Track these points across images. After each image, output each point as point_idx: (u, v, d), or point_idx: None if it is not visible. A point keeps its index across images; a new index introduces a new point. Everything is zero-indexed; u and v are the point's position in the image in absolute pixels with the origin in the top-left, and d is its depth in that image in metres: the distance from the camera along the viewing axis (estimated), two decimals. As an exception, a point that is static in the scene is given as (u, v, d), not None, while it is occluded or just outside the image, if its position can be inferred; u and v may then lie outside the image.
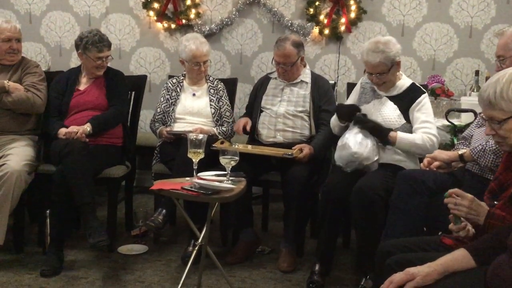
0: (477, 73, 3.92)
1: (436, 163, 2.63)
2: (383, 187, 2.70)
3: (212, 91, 3.58)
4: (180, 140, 3.24)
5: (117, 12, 4.61)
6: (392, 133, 2.88)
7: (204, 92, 3.58)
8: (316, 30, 4.34)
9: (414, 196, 2.49)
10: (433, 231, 2.35)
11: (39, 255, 3.18)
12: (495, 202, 1.87)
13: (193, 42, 3.47)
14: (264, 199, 3.72)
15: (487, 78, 3.82)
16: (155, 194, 3.24)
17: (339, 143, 2.95)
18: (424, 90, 3.03)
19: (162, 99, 3.59)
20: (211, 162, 2.82)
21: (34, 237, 3.37)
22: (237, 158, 2.55)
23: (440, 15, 4.27)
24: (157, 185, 2.57)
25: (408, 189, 2.51)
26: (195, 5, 4.42)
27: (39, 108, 3.33)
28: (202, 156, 2.55)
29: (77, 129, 3.16)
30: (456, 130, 3.36)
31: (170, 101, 3.55)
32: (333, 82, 3.81)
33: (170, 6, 4.45)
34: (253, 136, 3.47)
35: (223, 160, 2.54)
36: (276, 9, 4.35)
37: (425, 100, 2.96)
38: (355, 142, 2.85)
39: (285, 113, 3.35)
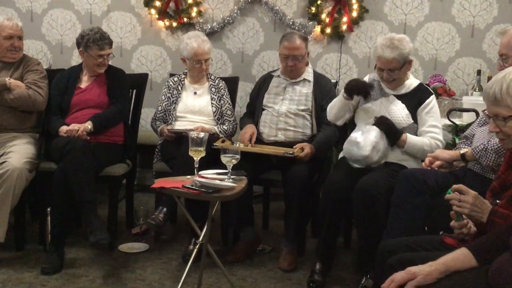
0: (479, 72, 3.91)
1: (438, 163, 2.63)
2: (386, 186, 2.69)
3: (213, 89, 3.57)
4: (181, 139, 3.24)
5: (119, 10, 4.60)
6: (403, 135, 2.88)
7: (205, 91, 3.58)
8: (317, 29, 4.33)
9: (415, 195, 2.49)
10: (434, 230, 2.35)
11: (40, 253, 3.18)
12: (497, 201, 1.87)
13: (194, 40, 3.47)
14: (265, 198, 3.72)
15: (488, 78, 3.82)
16: (156, 192, 3.22)
17: (352, 137, 2.92)
18: (432, 92, 3.04)
19: (163, 98, 3.59)
20: (212, 160, 2.82)
21: (35, 235, 3.36)
22: (238, 156, 2.54)
23: (442, 14, 4.26)
24: (158, 183, 2.57)
25: (409, 188, 2.51)
26: (197, 3, 4.41)
27: (40, 105, 3.33)
28: (203, 154, 2.55)
29: (78, 127, 3.17)
30: (457, 130, 3.35)
31: (171, 100, 3.55)
32: (334, 81, 3.81)
33: (171, 4, 4.44)
34: (255, 135, 3.47)
35: (224, 159, 2.54)
36: (277, 7, 4.35)
37: (433, 102, 2.97)
38: (369, 145, 2.83)
39: (287, 112, 3.35)
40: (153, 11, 4.48)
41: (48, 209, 3.08)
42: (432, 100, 2.97)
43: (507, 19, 4.15)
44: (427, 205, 2.48)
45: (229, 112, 3.57)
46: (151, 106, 4.27)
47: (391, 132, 2.88)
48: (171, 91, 3.57)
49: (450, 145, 3.29)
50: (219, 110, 3.54)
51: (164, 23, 4.50)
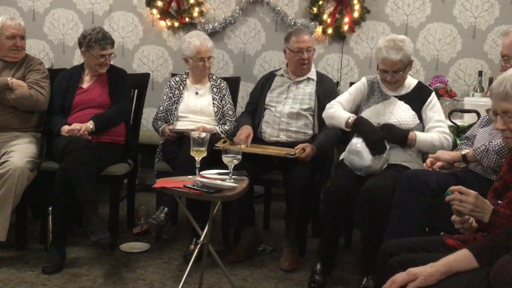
0: (480, 73, 3.91)
1: (439, 163, 2.63)
2: (391, 188, 2.66)
3: (215, 89, 3.58)
4: (182, 139, 3.25)
5: (121, 10, 4.61)
6: (411, 135, 2.87)
7: (207, 91, 3.58)
8: (319, 29, 4.33)
9: (416, 196, 2.49)
10: (435, 231, 2.35)
11: (41, 252, 3.18)
12: (499, 202, 1.87)
13: (197, 38, 3.48)
14: (266, 198, 3.72)
15: (490, 79, 3.82)
16: (157, 192, 3.24)
17: (353, 146, 2.87)
18: (431, 89, 3.05)
19: (165, 97, 3.59)
20: (213, 160, 2.82)
21: (36, 234, 3.37)
22: (239, 156, 2.54)
23: (444, 15, 4.26)
24: (160, 183, 2.57)
25: (410, 189, 2.50)
26: (199, 4, 4.41)
27: (42, 105, 3.33)
28: (204, 154, 2.55)
29: (80, 126, 3.17)
30: (459, 131, 3.35)
31: (173, 99, 3.55)
32: (336, 81, 3.81)
33: (173, 4, 4.44)
34: (256, 134, 3.46)
35: (225, 159, 2.54)
36: (279, 8, 4.35)
37: (435, 99, 2.99)
38: (370, 155, 2.80)
39: (289, 113, 3.35)
40: (155, 11, 4.48)
41: (50, 209, 3.09)
42: (433, 97, 2.98)
43: (508, 20, 4.15)
44: (428, 206, 2.48)
45: (230, 112, 3.57)
46: (152, 106, 4.27)
47: (398, 135, 2.85)
48: (172, 91, 3.58)
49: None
50: (221, 110, 3.55)
51: (166, 23, 4.50)
